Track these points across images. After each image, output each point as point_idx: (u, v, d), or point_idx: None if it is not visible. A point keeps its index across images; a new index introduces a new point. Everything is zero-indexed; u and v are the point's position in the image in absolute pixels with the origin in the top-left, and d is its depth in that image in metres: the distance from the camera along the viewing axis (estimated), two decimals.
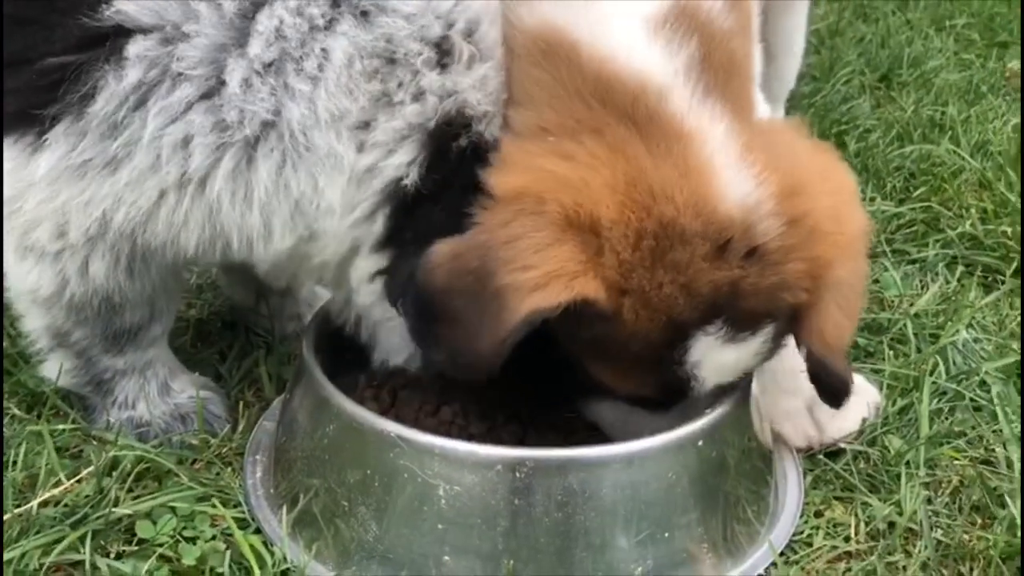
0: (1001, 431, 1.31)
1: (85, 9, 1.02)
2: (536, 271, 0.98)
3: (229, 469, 1.26)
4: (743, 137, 1.07)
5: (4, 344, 1.38)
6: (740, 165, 1.05)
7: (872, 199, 1.97)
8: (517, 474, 1.06)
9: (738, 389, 1.19)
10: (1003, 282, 1.73)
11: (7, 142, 1.10)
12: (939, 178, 2.00)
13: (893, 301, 1.66)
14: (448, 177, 1.06)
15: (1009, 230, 1.82)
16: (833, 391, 1.14)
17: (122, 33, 1.03)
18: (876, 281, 1.73)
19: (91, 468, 1.18)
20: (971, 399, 1.37)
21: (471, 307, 1.00)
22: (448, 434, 1.22)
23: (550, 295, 0.98)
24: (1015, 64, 2.73)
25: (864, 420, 1.35)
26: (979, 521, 1.19)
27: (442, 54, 1.06)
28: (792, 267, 1.06)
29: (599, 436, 1.21)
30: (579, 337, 1.05)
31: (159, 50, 1.03)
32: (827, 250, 1.08)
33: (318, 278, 1.21)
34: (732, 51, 1.13)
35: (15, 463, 1.21)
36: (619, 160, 1.04)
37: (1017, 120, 2.27)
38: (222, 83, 1.03)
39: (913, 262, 1.81)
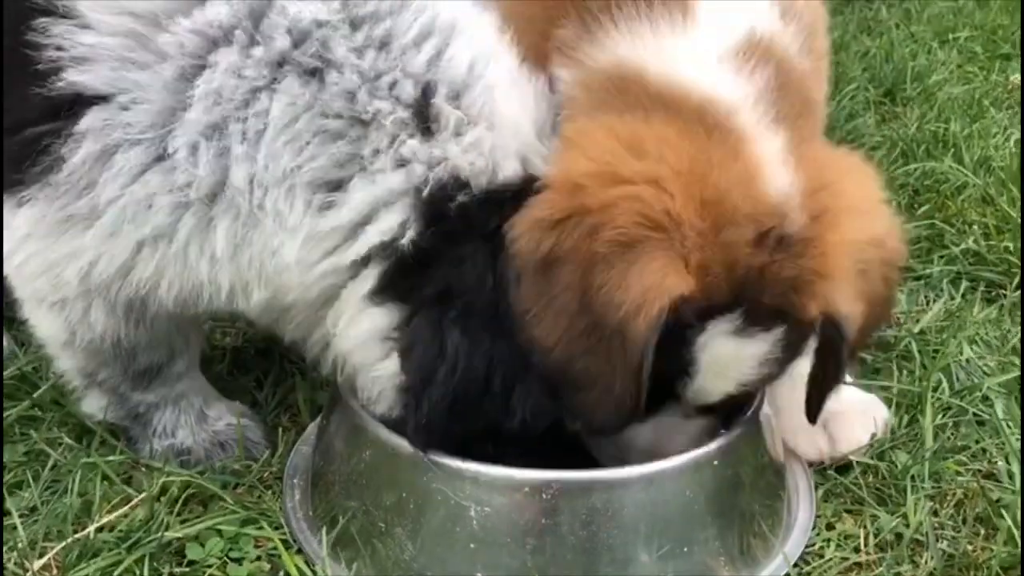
0: (1003, 444, 1.37)
1: (40, 81, 1.07)
2: (634, 293, 1.01)
3: (270, 492, 1.34)
4: (796, 147, 1.12)
5: (52, 378, 1.46)
6: (786, 164, 1.10)
7: None
8: (544, 495, 1.14)
9: (751, 409, 1.26)
10: (1005, 297, 1.79)
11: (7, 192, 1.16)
12: (943, 195, 2.07)
13: (900, 318, 1.72)
14: (452, 231, 1.09)
15: (1011, 245, 1.88)
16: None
17: (81, 101, 1.07)
18: None
19: (143, 495, 1.26)
20: (974, 414, 1.43)
21: (597, 359, 1.05)
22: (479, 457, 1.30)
23: (652, 311, 1.01)
24: (1016, 77, 2.79)
25: (873, 435, 1.41)
26: (982, 532, 1.25)
27: (423, 119, 1.09)
28: (809, 265, 1.08)
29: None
30: None
31: (116, 116, 1.07)
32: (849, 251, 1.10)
33: (303, 329, 1.22)
34: (807, 92, 1.20)
35: (69, 490, 1.29)
36: (686, 147, 1.07)
37: (1019, 134, 2.32)
38: (166, 146, 1.07)
39: (918, 279, 1.87)
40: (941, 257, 1.90)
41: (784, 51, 1.18)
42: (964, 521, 1.27)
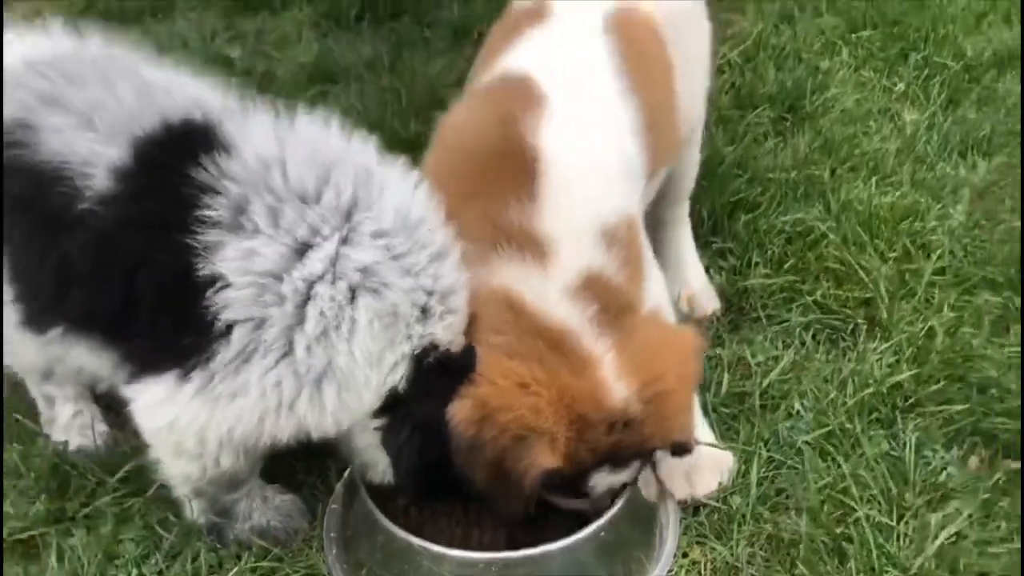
0: (808, 488, 2.03)
1: (204, 326, 1.64)
2: (523, 466, 1.69)
3: (313, 549, 2.01)
4: (624, 354, 1.75)
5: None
6: (622, 377, 1.74)
7: (756, 264, 2.60)
8: (493, 568, 1.80)
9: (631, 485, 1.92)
10: (845, 341, 2.39)
11: (154, 374, 1.73)
12: (808, 244, 2.62)
13: (756, 368, 2.33)
14: (419, 379, 1.72)
15: (851, 296, 2.46)
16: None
17: (230, 326, 1.65)
18: (751, 343, 2.41)
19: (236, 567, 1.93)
20: (791, 465, 2.08)
21: (506, 493, 1.73)
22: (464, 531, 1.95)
23: (531, 477, 1.70)
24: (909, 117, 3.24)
25: (720, 483, 2.07)
26: (787, 562, 1.92)
27: (425, 312, 1.70)
28: (647, 431, 1.76)
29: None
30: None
31: (252, 334, 1.66)
32: (671, 415, 1.77)
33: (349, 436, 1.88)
34: (623, 298, 1.80)
35: (185, 559, 1.95)
36: (555, 383, 1.71)
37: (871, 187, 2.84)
38: (293, 349, 1.68)
39: (782, 323, 2.46)
40: (799, 305, 2.49)
41: (608, 277, 1.78)
42: (772, 552, 1.95)
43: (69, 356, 1.84)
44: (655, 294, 2.01)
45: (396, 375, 1.73)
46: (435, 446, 1.75)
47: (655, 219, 2.45)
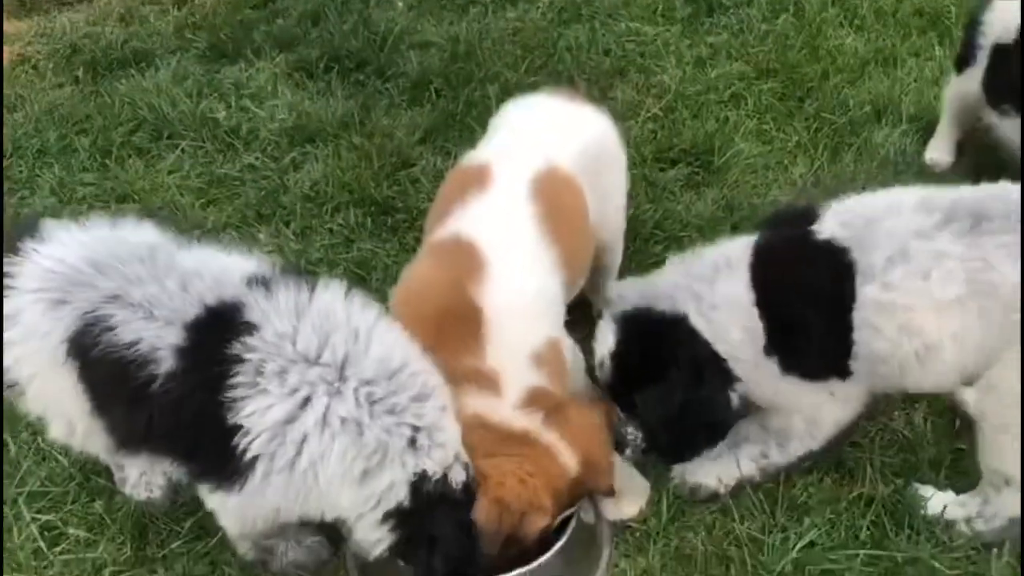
0: (703, 512, 2.76)
1: (237, 459, 2.26)
2: (529, 527, 2.41)
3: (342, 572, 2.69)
4: (568, 439, 2.46)
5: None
6: (571, 454, 2.45)
7: None
8: None
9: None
10: None
11: (207, 484, 2.41)
12: None
13: None
14: (427, 499, 2.32)
15: None
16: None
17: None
18: None
19: None
20: None
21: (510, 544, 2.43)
22: None
23: (535, 531, 2.42)
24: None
25: (640, 508, 2.78)
26: (690, 569, 2.65)
27: (413, 444, 2.30)
28: (587, 482, 2.51)
29: None
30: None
31: (268, 463, 2.26)
32: (597, 471, 2.51)
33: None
34: (556, 399, 2.50)
35: None
36: (541, 471, 2.42)
37: None
38: (293, 474, 2.28)
39: None
40: None
41: (541, 388, 2.48)
42: (679, 563, 2.68)
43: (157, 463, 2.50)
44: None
45: (397, 493, 2.31)
46: (457, 554, 2.36)
47: (591, 292, 3.12)
